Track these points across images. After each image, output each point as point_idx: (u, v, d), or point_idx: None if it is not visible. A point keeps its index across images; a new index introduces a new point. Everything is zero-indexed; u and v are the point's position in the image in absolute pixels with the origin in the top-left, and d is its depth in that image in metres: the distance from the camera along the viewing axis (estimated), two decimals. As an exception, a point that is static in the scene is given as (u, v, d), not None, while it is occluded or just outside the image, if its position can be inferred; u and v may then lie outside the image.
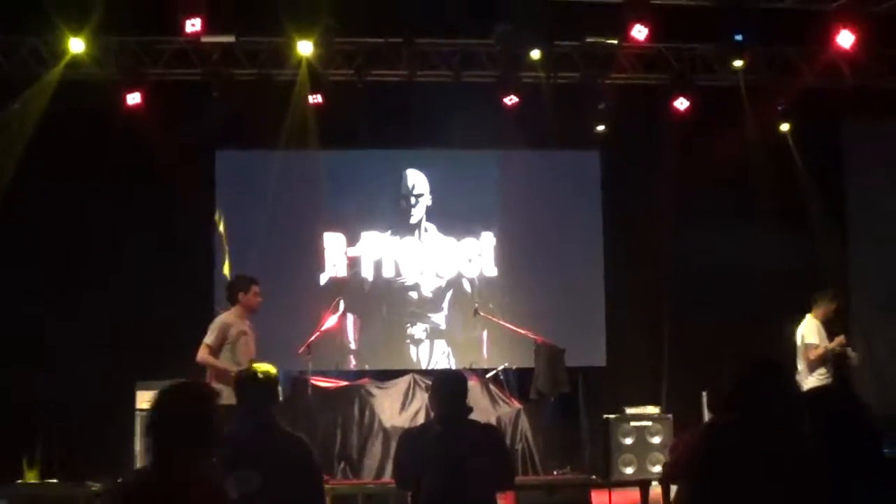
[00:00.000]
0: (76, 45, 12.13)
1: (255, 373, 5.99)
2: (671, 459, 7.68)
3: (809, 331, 11.00)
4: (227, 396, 9.14)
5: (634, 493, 8.13)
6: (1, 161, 12.53)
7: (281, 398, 10.43)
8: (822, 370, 10.92)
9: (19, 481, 8.55)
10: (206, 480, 4.48)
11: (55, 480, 11.49)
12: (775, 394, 4.78)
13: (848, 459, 4.58)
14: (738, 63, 12.90)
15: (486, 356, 12.99)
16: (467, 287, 13.63)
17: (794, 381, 4.92)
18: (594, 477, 11.55)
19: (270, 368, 6.20)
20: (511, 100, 13.04)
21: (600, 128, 13.45)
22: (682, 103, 13.09)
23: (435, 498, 6.20)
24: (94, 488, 8.52)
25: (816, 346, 10.90)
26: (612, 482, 10.96)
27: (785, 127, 13.45)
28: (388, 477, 10.82)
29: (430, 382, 6.87)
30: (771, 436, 4.67)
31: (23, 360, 12.57)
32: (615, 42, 12.91)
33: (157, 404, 4.46)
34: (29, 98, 12.49)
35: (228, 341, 9.81)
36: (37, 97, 12.50)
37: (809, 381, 10.65)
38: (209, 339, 9.74)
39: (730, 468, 4.68)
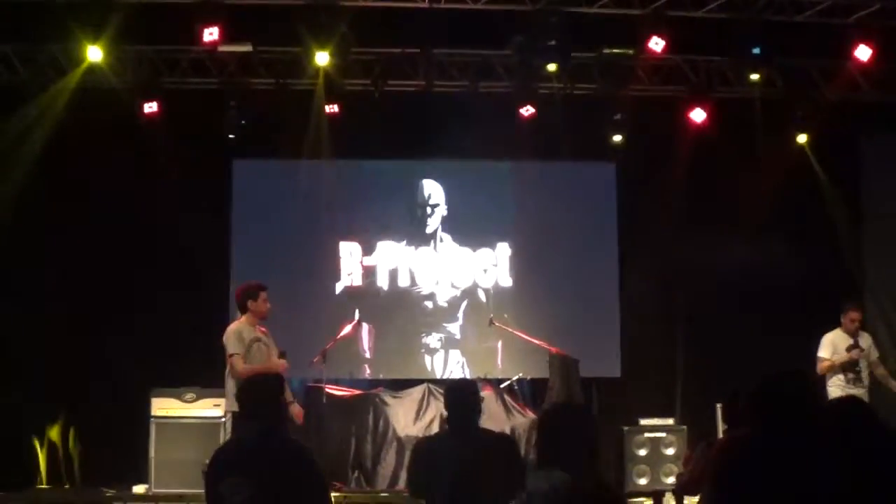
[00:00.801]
0: (94, 54, 12.16)
1: (255, 380, 5.98)
2: (686, 472, 7.66)
3: (823, 343, 11.49)
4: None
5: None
6: (17, 167, 12.61)
7: (293, 400, 10.55)
8: (840, 377, 11.36)
9: (34, 487, 8.56)
10: None
11: (68, 486, 11.54)
12: (794, 406, 4.76)
13: (869, 473, 4.60)
14: (755, 76, 12.89)
15: (500, 366, 12.97)
16: (482, 297, 13.62)
17: (815, 392, 4.87)
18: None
19: (272, 376, 6.19)
20: (527, 111, 13.06)
21: (617, 139, 13.42)
22: (698, 115, 13.07)
23: (448, 506, 6.19)
24: (108, 494, 8.51)
25: (822, 360, 11.40)
26: (625, 493, 10.95)
27: (802, 139, 13.38)
28: (401, 485, 10.85)
29: (444, 391, 6.85)
30: (791, 448, 4.64)
31: (39, 366, 12.64)
32: (632, 53, 12.91)
33: None
34: (45, 104, 12.56)
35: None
36: (52, 104, 12.57)
37: (830, 390, 11.27)
38: (233, 349, 9.69)
39: (750, 481, 4.66)
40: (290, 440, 5.75)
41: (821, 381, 11.28)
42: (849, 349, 11.30)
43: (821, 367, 11.36)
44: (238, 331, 9.78)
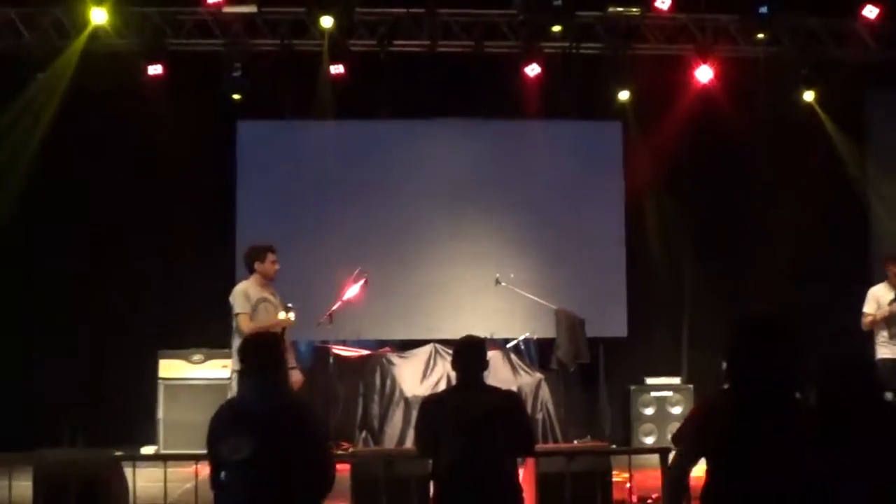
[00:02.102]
0: (98, 16, 12.17)
1: (255, 340, 5.99)
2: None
3: (867, 298, 11.19)
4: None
5: (654, 458, 8.11)
6: (27, 133, 12.62)
7: (298, 363, 10.60)
8: (884, 334, 11.04)
9: (41, 448, 8.62)
10: None
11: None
12: (759, 360, 4.68)
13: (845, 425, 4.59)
14: (761, 35, 12.86)
15: (507, 326, 12.98)
16: (489, 256, 13.60)
17: (790, 344, 4.72)
18: (614, 445, 11.63)
19: (271, 334, 6.19)
20: (533, 70, 12.99)
21: (623, 98, 13.37)
22: (704, 74, 13.02)
23: (455, 464, 6.20)
24: (116, 454, 8.56)
25: (865, 315, 11.08)
26: (632, 449, 10.99)
27: (809, 96, 13.32)
28: (409, 444, 10.88)
29: (451, 351, 6.87)
30: (758, 405, 4.61)
31: (47, 331, 12.70)
32: (638, 12, 12.87)
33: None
34: (53, 72, 12.55)
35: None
36: (61, 70, 12.56)
37: (876, 348, 11.03)
38: (239, 308, 9.75)
39: (716, 439, 4.66)
40: (292, 397, 5.75)
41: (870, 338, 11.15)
42: (890, 303, 10.97)
43: (864, 322, 11.06)
44: (244, 290, 9.83)
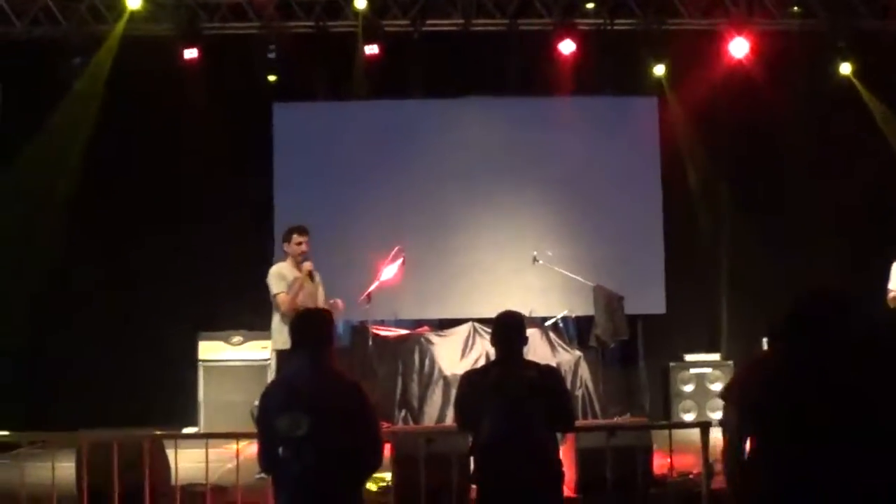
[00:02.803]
0: (133, 2, 12.22)
1: (306, 315, 6.01)
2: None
3: (890, 274, 10.74)
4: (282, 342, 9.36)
5: (695, 432, 8.07)
6: (77, 123, 12.74)
7: (340, 344, 10.62)
8: None
9: (81, 430, 8.68)
10: None
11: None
12: (825, 327, 4.58)
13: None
14: (796, 7, 12.77)
15: (545, 304, 12.96)
16: (526, 235, 13.58)
17: (855, 317, 4.69)
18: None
19: (323, 310, 6.21)
20: (567, 47, 12.93)
21: (658, 72, 13.30)
22: (740, 47, 12.93)
23: (496, 438, 6.20)
24: (158, 433, 8.62)
25: (889, 291, 10.64)
26: (672, 423, 10.96)
27: (846, 68, 13.17)
28: (448, 423, 10.90)
29: (489, 330, 6.87)
30: (816, 366, 4.50)
31: (88, 315, 12.80)
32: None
33: None
34: (96, 61, 12.65)
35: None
36: (102, 59, 12.67)
37: None
38: (276, 288, 9.78)
39: (758, 395, 4.58)
40: (343, 374, 5.77)
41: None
42: None
43: (889, 298, 10.59)
44: (279, 271, 9.88)
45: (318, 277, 10.02)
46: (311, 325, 5.79)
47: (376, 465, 5.71)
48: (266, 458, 5.59)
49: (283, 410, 5.46)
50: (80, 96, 12.76)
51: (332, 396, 5.51)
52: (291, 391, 5.56)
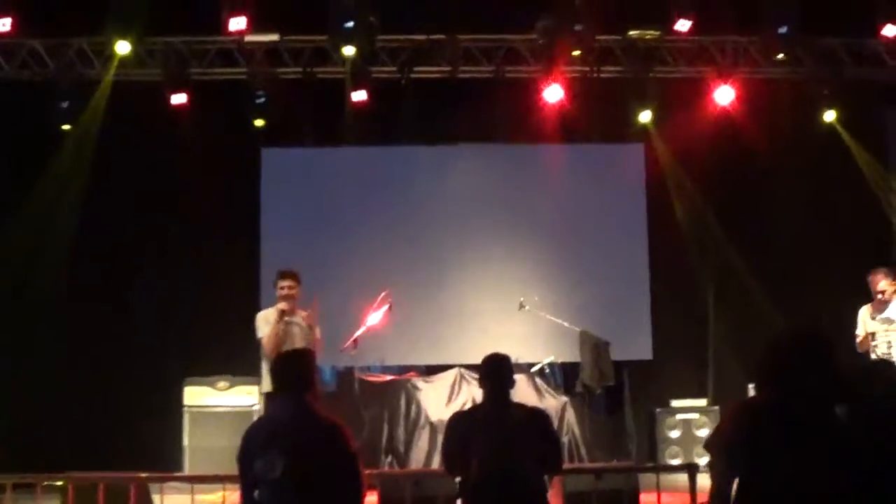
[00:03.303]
0: (122, 47, 12.27)
1: (286, 357, 5.99)
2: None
3: (858, 319, 10.90)
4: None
5: (682, 477, 8.07)
6: (71, 172, 12.80)
7: (322, 387, 10.59)
8: (877, 352, 10.65)
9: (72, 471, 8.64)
10: None
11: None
12: (806, 368, 4.55)
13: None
14: (781, 56, 12.88)
15: (531, 350, 12.94)
16: (512, 281, 13.61)
17: (832, 356, 4.59)
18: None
19: (303, 352, 6.21)
20: (554, 94, 13.00)
21: (644, 120, 13.37)
22: (725, 95, 13.02)
23: (484, 480, 6.19)
24: (143, 476, 8.57)
25: (857, 337, 10.83)
26: (659, 466, 10.91)
27: (830, 115, 13.27)
28: (435, 467, 10.87)
29: (476, 375, 6.88)
30: (801, 411, 4.50)
31: (74, 357, 12.75)
32: (658, 35, 12.91)
33: None
34: (90, 107, 12.70)
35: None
36: (95, 105, 12.71)
37: None
38: (260, 332, 9.87)
39: (756, 445, 4.53)
40: (323, 415, 5.74)
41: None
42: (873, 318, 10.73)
43: (857, 343, 10.77)
44: (263, 315, 9.96)
45: (298, 318, 9.99)
46: (289, 368, 5.77)
47: None
48: (245, 500, 5.57)
49: (260, 452, 5.45)
50: (74, 142, 12.77)
51: (310, 439, 5.49)
52: (269, 433, 5.55)
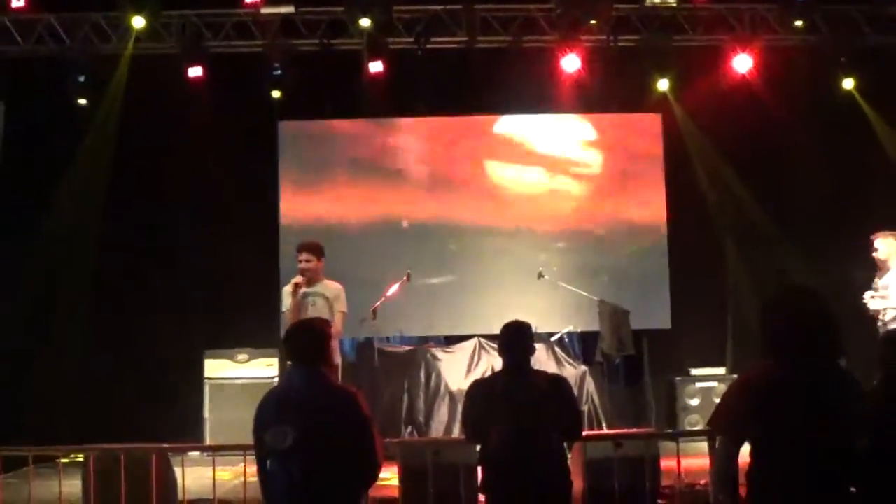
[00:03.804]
0: (137, 21, 12.27)
1: (299, 328, 5.97)
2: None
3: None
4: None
5: (703, 445, 8.06)
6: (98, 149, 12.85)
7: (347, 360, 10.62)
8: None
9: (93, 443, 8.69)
10: None
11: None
12: (801, 331, 4.53)
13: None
14: (799, 22, 12.79)
15: (550, 319, 12.96)
16: (532, 250, 13.63)
17: (823, 308, 4.56)
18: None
19: (316, 321, 6.20)
20: (571, 64, 12.94)
21: (662, 88, 13.31)
22: (743, 63, 12.95)
23: (504, 447, 6.19)
24: (165, 446, 8.62)
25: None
26: (680, 433, 10.90)
27: (849, 83, 13.18)
28: (455, 436, 10.89)
29: (495, 345, 6.88)
30: (802, 377, 4.47)
31: (97, 331, 12.80)
32: (675, 4, 12.83)
33: None
34: (111, 85, 12.73)
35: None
36: (117, 81, 12.75)
37: None
38: (283, 307, 9.85)
39: (763, 417, 4.50)
40: (337, 385, 5.73)
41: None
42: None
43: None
44: (286, 289, 9.91)
45: (321, 289, 9.93)
46: (301, 338, 5.76)
47: (372, 479, 5.64)
48: (259, 470, 5.59)
49: (272, 423, 5.45)
50: (98, 119, 12.82)
51: (321, 408, 5.45)
52: (281, 403, 5.54)
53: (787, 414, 4.45)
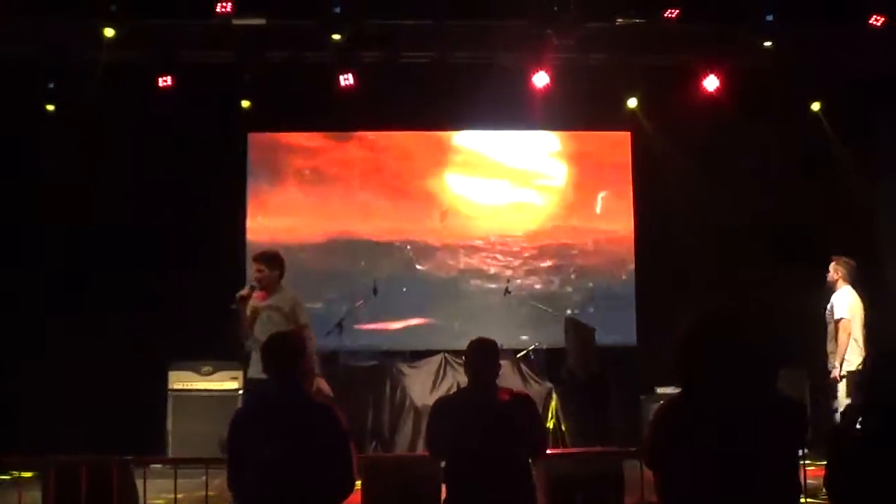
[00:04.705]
0: (109, 29, 12.18)
1: (274, 340, 5.97)
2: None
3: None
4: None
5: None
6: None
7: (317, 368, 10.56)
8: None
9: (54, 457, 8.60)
10: None
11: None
12: (712, 357, 4.46)
13: None
14: (768, 43, 12.85)
15: (516, 336, 12.97)
16: (499, 266, 13.63)
17: (746, 335, 4.45)
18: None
19: (292, 333, 6.19)
20: (541, 80, 12.95)
21: (631, 105, 13.35)
22: (712, 83, 13.01)
23: (469, 464, 6.20)
24: (127, 458, 8.56)
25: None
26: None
27: (816, 106, 13.29)
28: (420, 452, 10.87)
29: (461, 361, 6.88)
30: (710, 404, 4.39)
31: (59, 342, 12.70)
32: (645, 22, 12.86)
33: None
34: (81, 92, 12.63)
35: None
36: (86, 88, 12.65)
37: None
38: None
39: (669, 447, 4.47)
40: (314, 398, 5.75)
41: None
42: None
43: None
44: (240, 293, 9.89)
45: (272, 302, 9.84)
46: (278, 350, 5.76)
47: (349, 492, 5.63)
48: (234, 484, 5.56)
49: (249, 436, 5.44)
50: (67, 126, 12.73)
51: (301, 422, 5.48)
52: (258, 416, 5.55)
53: (694, 445, 4.36)
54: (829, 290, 10.71)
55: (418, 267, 13.83)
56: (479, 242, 13.88)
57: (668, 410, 4.60)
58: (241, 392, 11.91)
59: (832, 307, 10.56)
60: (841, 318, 10.38)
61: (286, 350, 5.75)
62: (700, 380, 4.45)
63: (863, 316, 10.48)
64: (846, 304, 10.44)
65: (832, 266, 10.73)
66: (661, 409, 4.70)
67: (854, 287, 10.61)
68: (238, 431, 5.53)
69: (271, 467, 5.35)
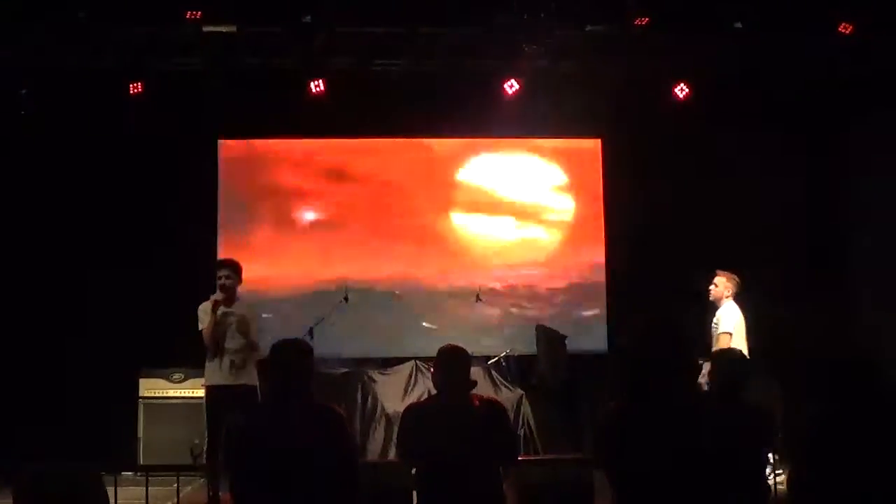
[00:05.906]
0: (78, 34, 12.14)
1: (290, 348, 5.93)
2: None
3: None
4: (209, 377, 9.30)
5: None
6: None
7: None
8: None
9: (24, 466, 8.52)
10: None
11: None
12: (650, 366, 4.46)
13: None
14: (738, 54, 12.93)
15: (487, 343, 12.98)
16: (470, 274, 13.65)
17: (678, 340, 4.46)
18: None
19: (297, 342, 6.18)
20: (512, 87, 12.97)
21: (601, 115, 13.39)
22: (682, 91, 13.06)
23: (439, 470, 6.20)
24: (97, 469, 8.50)
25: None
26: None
27: (785, 112, 13.36)
28: (391, 458, 10.86)
29: (432, 368, 6.88)
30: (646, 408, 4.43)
31: (27, 351, 12.63)
32: (615, 30, 12.90)
33: None
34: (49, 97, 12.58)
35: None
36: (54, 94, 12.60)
37: None
38: (200, 324, 9.90)
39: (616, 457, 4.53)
40: (321, 406, 5.72)
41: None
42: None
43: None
44: (204, 307, 9.98)
45: (235, 309, 9.90)
46: (293, 358, 5.75)
47: (354, 499, 5.65)
48: (233, 493, 5.53)
49: (255, 447, 5.41)
50: (35, 131, 12.68)
51: (314, 431, 5.49)
52: (272, 424, 5.53)
53: (652, 445, 4.38)
54: (714, 304, 11.02)
55: (388, 274, 13.82)
56: (449, 250, 13.91)
57: (620, 413, 4.60)
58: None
59: (718, 321, 10.85)
60: (724, 332, 10.67)
61: (303, 358, 5.75)
62: (653, 379, 4.45)
63: (745, 330, 10.80)
64: (732, 320, 10.77)
65: (718, 280, 11.04)
66: (612, 412, 4.67)
67: (735, 301, 10.93)
68: (248, 439, 5.52)
69: (281, 477, 5.35)
